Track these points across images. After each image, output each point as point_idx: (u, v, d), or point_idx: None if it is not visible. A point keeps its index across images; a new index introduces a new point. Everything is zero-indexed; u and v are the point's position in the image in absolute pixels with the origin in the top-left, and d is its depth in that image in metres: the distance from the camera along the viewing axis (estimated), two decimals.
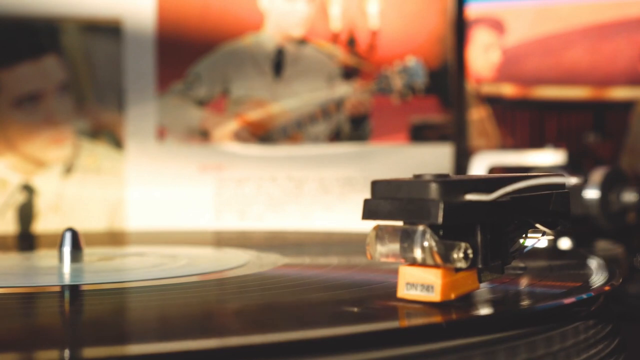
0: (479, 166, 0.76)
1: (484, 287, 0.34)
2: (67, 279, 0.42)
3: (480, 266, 0.31)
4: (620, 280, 0.37)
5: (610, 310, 0.37)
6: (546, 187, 0.34)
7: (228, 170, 0.77)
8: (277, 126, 0.79)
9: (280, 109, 0.79)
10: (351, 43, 0.80)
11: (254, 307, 0.34)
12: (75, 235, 0.47)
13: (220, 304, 0.36)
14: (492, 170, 0.76)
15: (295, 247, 0.59)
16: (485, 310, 0.31)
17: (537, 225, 0.33)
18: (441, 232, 0.30)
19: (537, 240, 0.34)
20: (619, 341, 0.35)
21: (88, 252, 0.49)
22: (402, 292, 0.32)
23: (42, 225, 0.74)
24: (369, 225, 0.32)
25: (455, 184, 0.31)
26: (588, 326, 0.33)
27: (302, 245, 0.61)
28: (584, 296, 0.33)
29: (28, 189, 0.74)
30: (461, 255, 0.30)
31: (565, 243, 0.65)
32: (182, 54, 0.77)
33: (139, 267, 0.47)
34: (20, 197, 0.74)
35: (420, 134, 0.81)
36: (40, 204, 0.74)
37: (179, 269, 0.44)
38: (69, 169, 0.75)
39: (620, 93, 0.85)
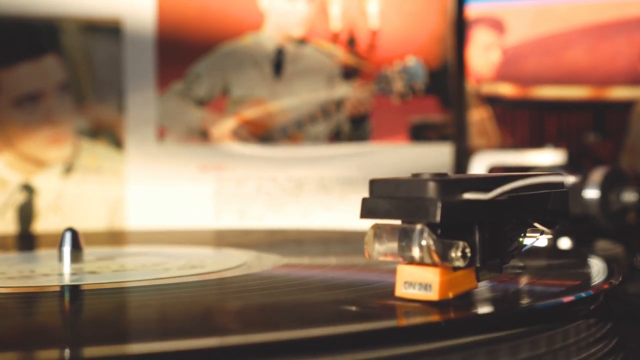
0: (479, 166, 0.76)
1: (482, 286, 0.34)
2: (67, 279, 0.42)
3: (478, 265, 0.31)
4: (620, 279, 0.37)
5: (610, 309, 0.37)
6: (544, 186, 0.34)
7: (228, 170, 0.77)
8: (277, 126, 0.79)
9: (280, 108, 0.79)
10: (351, 43, 0.80)
11: (254, 306, 0.34)
12: (75, 235, 0.47)
13: (220, 303, 0.36)
14: (492, 170, 0.76)
15: (295, 246, 0.59)
16: (483, 309, 0.31)
17: (536, 224, 0.33)
18: (439, 231, 0.30)
19: (535, 239, 0.34)
20: (618, 340, 0.35)
21: (88, 252, 0.49)
22: (400, 291, 0.32)
23: (42, 225, 0.74)
24: (368, 224, 0.32)
25: (453, 182, 0.31)
26: (588, 325, 0.33)
27: (301, 245, 0.61)
28: (583, 294, 0.33)
29: (28, 189, 0.74)
30: (459, 254, 0.30)
31: (565, 243, 0.65)
32: (182, 54, 0.77)
33: (138, 266, 0.47)
34: (20, 197, 0.74)
35: (420, 134, 0.81)
36: (40, 203, 0.74)
37: (179, 269, 0.44)
38: (68, 169, 0.75)
39: (620, 93, 0.85)
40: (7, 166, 0.73)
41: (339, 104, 0.80)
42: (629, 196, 0.65)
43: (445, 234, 0.30)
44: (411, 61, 0.81)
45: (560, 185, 0.35)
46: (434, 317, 0.29)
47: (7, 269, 0.46)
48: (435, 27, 0.81)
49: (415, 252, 0.30)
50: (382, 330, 0.28)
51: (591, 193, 0.64)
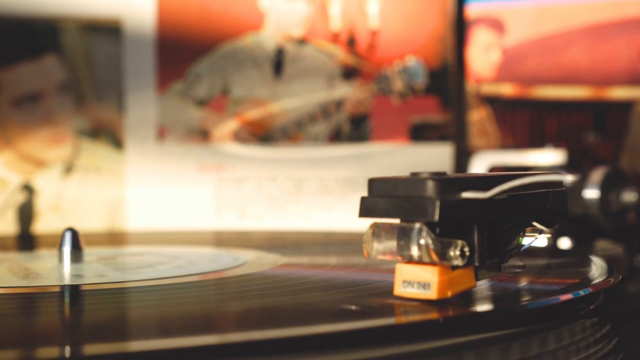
0: (479, 166, 0.76)
1: (481, 285, 0.34)
2: (67, 279, 0.42)
3: (477, 264, 0.31)
4: (620, 278, 0.37)
5: (610, 309, 0.37)
6: (543, 185, 0.34)
7: (228, 170, 0.77)
8: (277, 126, 0.79)
9: (280, 109, 0.79)
10: (351, 43, 0.80)
11: (254, 306, 0.34)
12: (75, 235, 0.47)
13: (220, 303, 0.36)
14: (492, 170, 0.76)
15: (295, 247, 0.60)
16: (482, 308, 0.31)
17: (535, 224, 0.33)
18: (438, 230, 0.30)
19: (534, 238, 0.34)
20: (618, 340, 0.35)
21: (88, 252, 0.49)
22: (399, 289, 0.32)
23: (42, 225, 0.74)
24: (367, 223, 0.32)
25: (452, 181, 0.31)
26: (587, 325, 0.33)
27: (301, 245, 0.61)
28: (582, 292, 0.33)
29: (28, 189, 0.74)
30: (458, 253, 0.30)
31: (565, 243, 0.65)
32: (182, 54, 0.77)
33: (138, 267, 0.47)
34: (20, 197, 0.74)
35: (420, 134, 0.81)
36: (40, 204, 0.74)
37: (179, 269, 0.45)
38: (69, 169, 0.75)
39: (620, 93, 0.85)
40: (7, 166, 0.74)
41: (339, 104, 0.80)
42: (629, 196, 0.65)
43: (444, 233, 0.30)
44: (411, 61, 0.81)
45: (559, 184, 0.35)
46: (433, 315, 0.29)
47: (7, 269, 0.47)
48: (435, 27, 0.81)
49: (414, 251, 0.30)
50: (380, 328, 0.28)
51: (591, 193, 0.65)
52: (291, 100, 0.79)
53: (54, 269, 0.45)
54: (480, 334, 0.29)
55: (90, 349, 0.26)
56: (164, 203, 0.76)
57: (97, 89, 0.76)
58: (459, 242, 0.30)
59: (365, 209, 0.32)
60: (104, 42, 0.76)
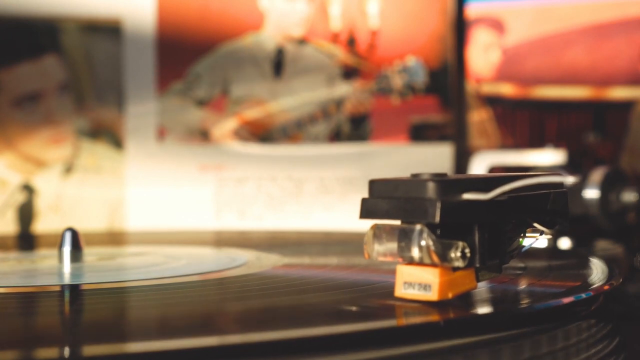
0: (479, 166, 0.76)
1: (482, 286, 0.34)
2: (67, 279, 0.42)
3: (477, 265, 0.31)
4: (620, 280, 0.37)
5: (610, 310, 0.37)
6: (544, 186, 0.34)
7: (228, 170, 0.77)
8: (277, 126, 0.79)
9: (280, 108, 0.79)
10: (351, 43, 0.80)
11: (254, 306, 0.34)
12: (75, 235, 0.47)
13: (221, 303, 0.36)
14: (492, 170, 0.76)
15: (295, 247, 0.60)
16: (483, 309, 0.31)
17: (535, 225, 0.33)
18: (439, 231, 0.30)
19: (535, 239, 0.34)
20: (618, 341, 0.35)
21: (88, 252, 0.49)
22: (400, 291, 0.32)
23: (42, 225, 0.74)
24: (367, 224, 0.32)
25: (452, 183, 0.31)
26: (588, 326, 0.33)
27: (302, 245, 0.61)
28: (583, 295, 0.33)
29: (28, 189, 0.74)
30: (458, 254, 0.30)
31: (565, 243, 0.65)
32: (182, 54, 0.77)
33: (139, 266, 0.47)
34: (20, 197, 0.74)
35: (420, 134, 0.81)
36: (40, 204, 0.74)
37: (179, 269, 0.45)
38: (69, 169, 0.75)
39: (620, 93, 0.85)
40: (8, 166, 0.74)
41: (339, 104, 0.80)
42: (629, 196, 0.65)
43: (445, 234, 0.30)
44: (411, 61, 0.81)
45: (560, 185, 0.35)
46: (433, 317, 0.29)
47: (7, 269, 0.46)
48: (435, 27, 0.81)
49: (415, 253, 0.30)
50: (381, 330, 0.28)
51: (591, 193, 0.64)
52: (291, 100, 0.79)
53: (54, 269, 0.45)
54: (481, 335, 0.29)
55: (89, 349, 0.26)
56: (164, 203, 0.76)
57: (97, 89, 0.76)
58: (460, 244, 0.30)
59: (366, 210, 0.32)
60: (104, 42, 0.76)
